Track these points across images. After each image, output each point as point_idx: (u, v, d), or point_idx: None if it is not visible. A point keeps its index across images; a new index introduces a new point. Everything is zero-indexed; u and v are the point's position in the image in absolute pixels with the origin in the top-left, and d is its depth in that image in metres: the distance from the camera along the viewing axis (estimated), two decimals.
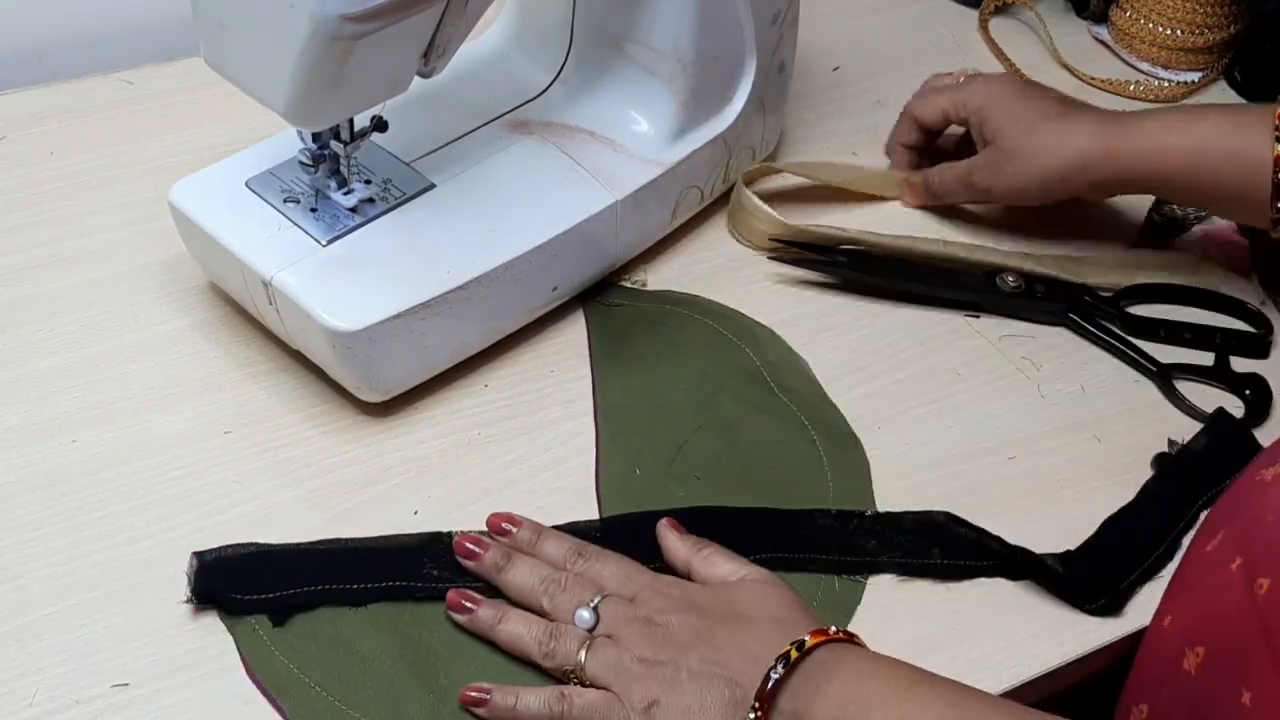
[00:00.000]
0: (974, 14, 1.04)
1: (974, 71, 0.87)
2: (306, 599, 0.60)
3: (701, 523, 0.64)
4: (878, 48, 0.99)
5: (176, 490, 0.65)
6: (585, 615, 0.58)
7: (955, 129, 0.85)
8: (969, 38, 1.02)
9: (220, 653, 0.59)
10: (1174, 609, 0.59)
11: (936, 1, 1.05)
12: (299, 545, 0.63)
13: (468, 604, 0.60)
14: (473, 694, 0.57)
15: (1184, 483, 0.69)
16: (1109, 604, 0.64)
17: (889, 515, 0.67)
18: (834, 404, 0.72)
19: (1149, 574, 0.65)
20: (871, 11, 1.03)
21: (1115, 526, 0.67)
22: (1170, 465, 0.70)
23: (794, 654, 0.54)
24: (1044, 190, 0.78)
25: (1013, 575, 0.65)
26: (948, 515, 0.67)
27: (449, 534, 0.63)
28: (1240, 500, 0.58)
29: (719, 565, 0.61)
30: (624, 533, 0.64)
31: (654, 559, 0.63)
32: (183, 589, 0.60)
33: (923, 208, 0.85)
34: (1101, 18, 1.04)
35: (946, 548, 0.65)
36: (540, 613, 0.60)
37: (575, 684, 0.57)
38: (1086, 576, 0.65)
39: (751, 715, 0.54)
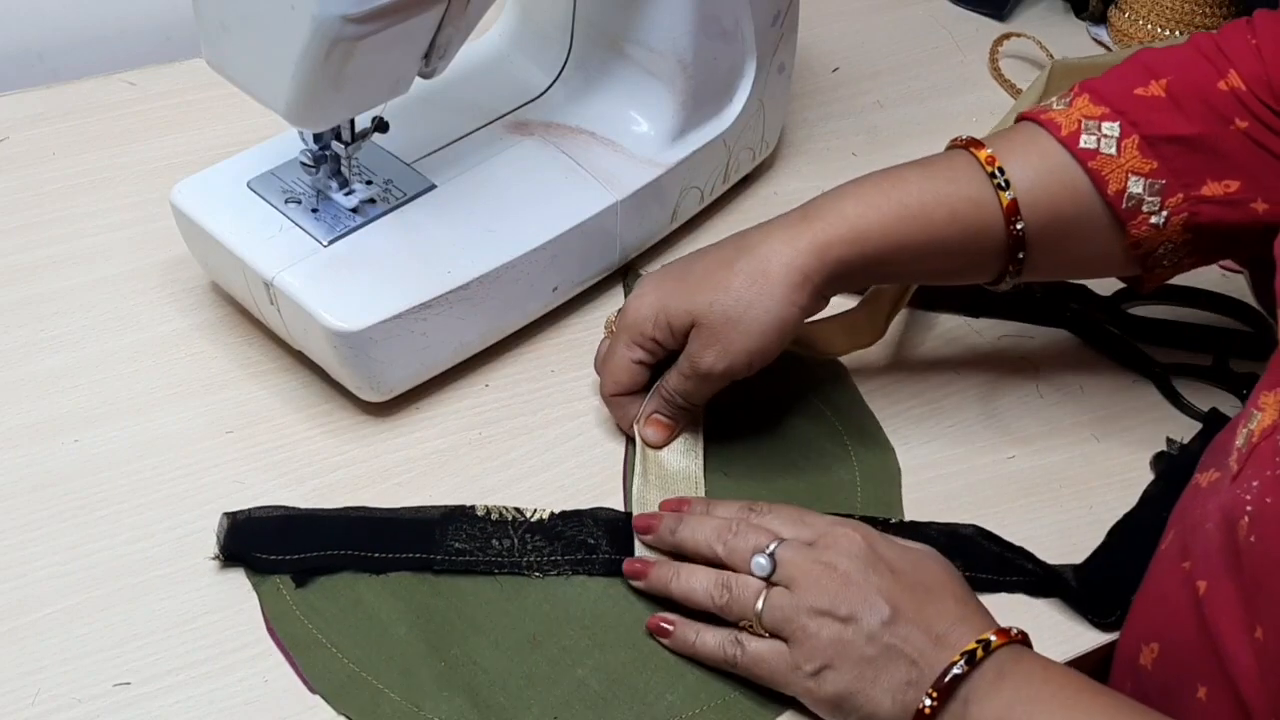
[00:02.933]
0: (973, 15, 1.04)
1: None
2: (329, 562, 0.62)
3: None
4: (878, 48, 1.00)
5: (178, 490, 0.65)
6: (762, 561, 0.57)
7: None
8: (968, 38, 1.02)
9: (221, 652, 0.59)
10: (1137, 607, 0.60)
11: (936, 3, 1.05)
12: (325, 511, 0.64)
13: (642, 566, 0.61)
14: (659, 623, 0.60)
15: (1183, 486, 0.69)
16: (1121, 616, 0.63)
17: (913, 524, 0.66)
18: (870, 409, 0.72)
19: None
20: (871, 12, 1.03)
21: (1121, 535, 0.67)
22: (1168, 466, 0.70)
23: (980, 653, 0.54)
24: (784, 333, 0.64)
25: (1035, 593, 0.64)
26: (975, 529, 0.66)
27: (471, 507, 0.64)
28: (1185, 504, 0.59)
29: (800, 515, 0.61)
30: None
31: None
32: (212, 556, 0.61)
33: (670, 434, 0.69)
34: (1100, 18, 1.04)
35: (970, 561, 0.64)
36: (718, 565, 0.59)
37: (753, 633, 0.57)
38: (1100, 591, 0.64)
39: (926, 701, 0.53)
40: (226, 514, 0.62)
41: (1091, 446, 0.72)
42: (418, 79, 0.66)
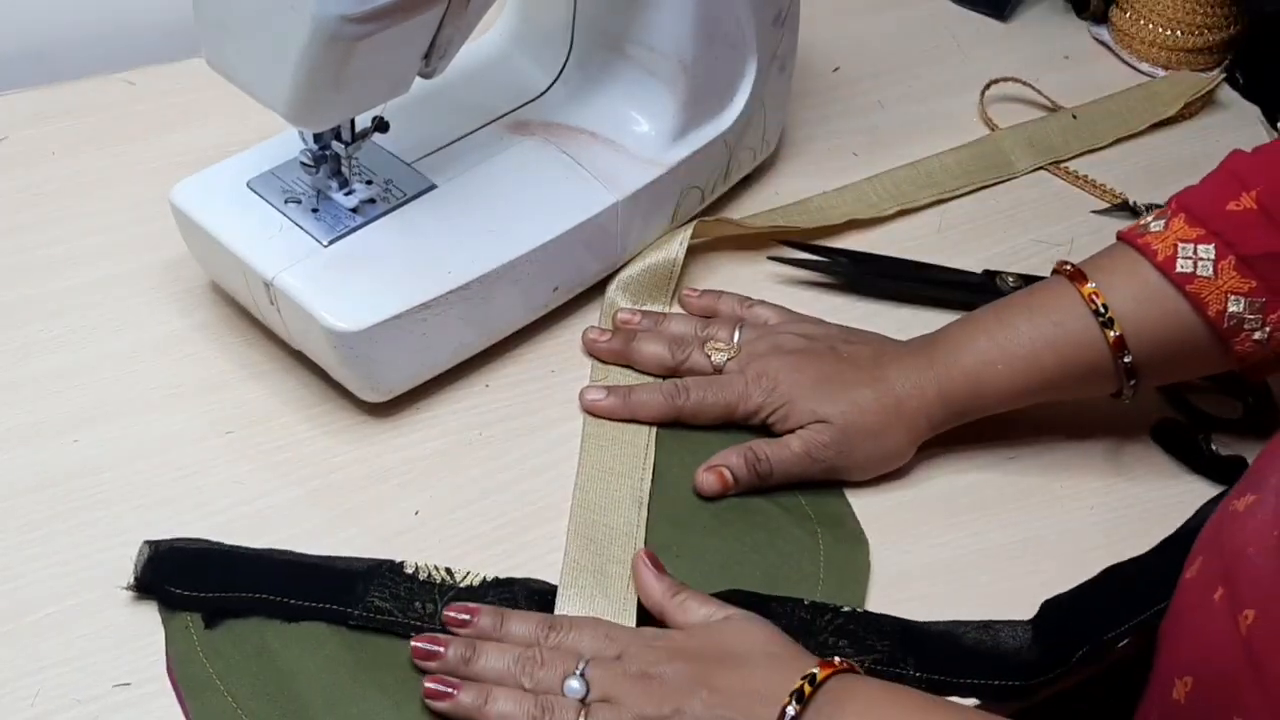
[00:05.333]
0: (974, 15, 1.04)
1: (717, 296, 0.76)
2: (240, 604, 0.60)
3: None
4: (878, 48, 0.99)
5: (178, 490, 0.65)
6: (575, 685, 0.56)
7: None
8: (969, 39, 1.02)
9: None
10: (1166, 640, 0.58)
11: (937, 3, 1.05)
12: (247, 550, 0.62)
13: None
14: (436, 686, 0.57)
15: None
16: (1082, 656, 0.62)
17: (867, 616, 0.63)
18: (847, 500, 0.68)
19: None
20: (871, 11, 1.03)
21: (1115, 578, 0.66)
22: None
23: (806, 688, 0.53)
24: (897, 460, 0.69)
25: (987, 699, 0.61)
26: (950, 626, 0.63)
27: (402, 563, 0.62)
28: (1216, 530, 0.57)
29: (696, 610, 0.59)
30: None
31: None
32: (124, 586, 0.60)
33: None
34: (1101, 18, 1.04)
35: (923, 660, 0.61)
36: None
37: None
38: (1058, 635, 0.63)
39: None
40: (148, 542, 0.61)
41: (1091, 446, 0.72)
42: (418, 79, 0.66)
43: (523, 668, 0.57)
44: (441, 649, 0.58)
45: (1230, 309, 0.64)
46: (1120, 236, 0.69)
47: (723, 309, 0.75)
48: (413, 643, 0.58)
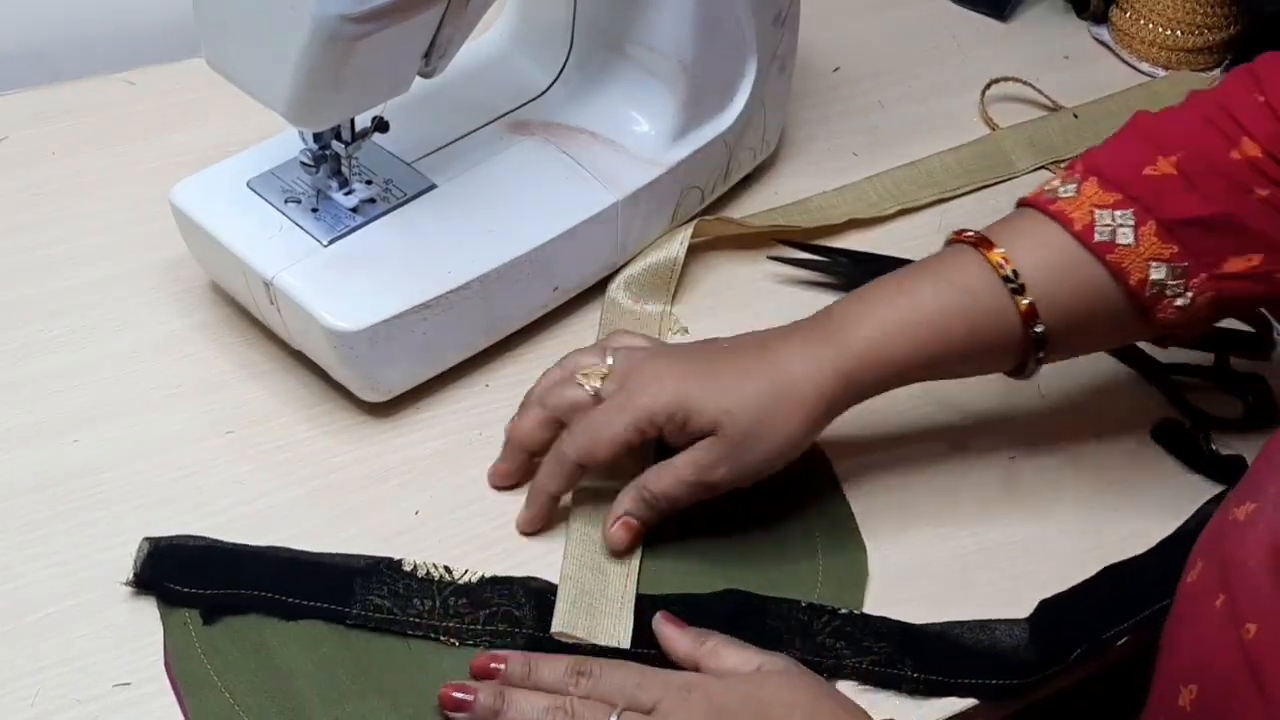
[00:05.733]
0: (974, 15, 1.04)
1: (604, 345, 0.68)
2: (240, 601, 0.60)
3: (660, 607, 0.61)
4: (878, 48, 0.99)
5: (178, 490, 0.65)
6: None
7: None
8: (969, 39, 1.02)
9: None
10: (1169, 645, 0.57)
11: (937, 3, 1.05)
12: (247, 547, 0.62)
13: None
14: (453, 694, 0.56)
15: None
16: (1080, 655, 0.62)
17: (865, 618, 0.62)
18: (846, 501, 0.68)
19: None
20: (872, 11, 1.03)
21: (1113, 577, 0.66)
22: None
23: None
24: (795, 453, 0.63)
25: (985, 698, 0.61)
26: (946, 626, 0.62)
27: (400, 561, 0.62)
28: (1216, 536, 0.56)
29: (728, 656, 0.58)
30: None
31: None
32: (124, 582, 0.60)
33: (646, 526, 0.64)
34: (1101, 18, 1.04)
35: (921, 660, 0.61)
36: None
37: None
38: (1054, 636, 0.63)
39: None
40: (148, 539, 0.61)
41: (1092, 447, 0.72)
42: (418, 79, 0.66)
43: (551, 717, 0.55)
44: (471, 698, 0.56)
45: (1152, 276, 0.62)
46: (1024, 202, 0.65)
47: (584, 354, 0.67)
48: (441, 690, 0.57)
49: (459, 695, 0.56)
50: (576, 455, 0.62)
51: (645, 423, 0.61)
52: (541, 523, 0.65)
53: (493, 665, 0.58)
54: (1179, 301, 0.62)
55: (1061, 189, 0.64)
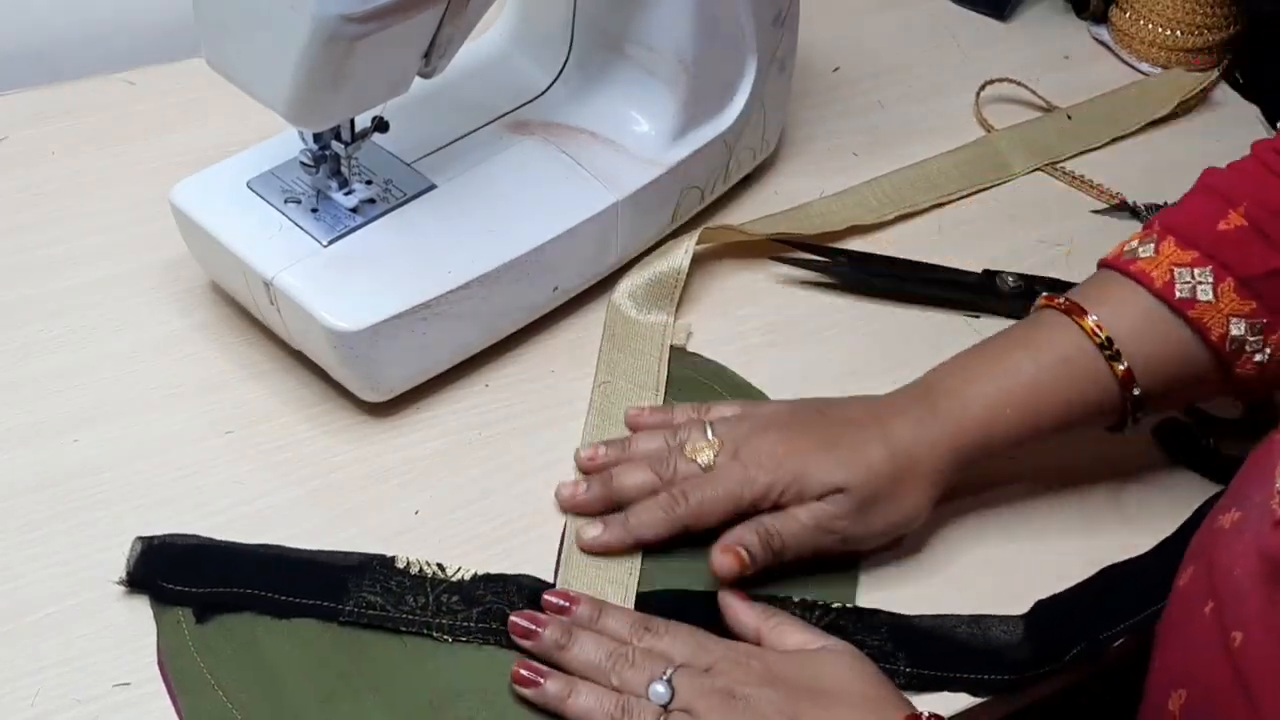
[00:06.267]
0: (974, 15, 1.04)
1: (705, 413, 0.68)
2: (232, 600, 0.60)
3: (653, 605, 0.62)
4: (878, 48, 1.00)
5: (178, 490, 0.65)
6: (660, 689, 0.56)
7: None
8: (969, 39, 1.02)
9: None
10: (1161, 647, 0.58)
11: (937, 3, 1.05)
12: (240, 545, 0.62)
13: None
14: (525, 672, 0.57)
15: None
16: (1076, 655, 0.62)
17: (858, 611, 0.63)
18: None
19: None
20: (872, 11, 1.03)
21: (1110, 579, 0.66)
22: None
23: None
24: (915, 523, 0.65)
25: (978, 693, 0.61)
26: (937, 619, 0.63)
27: (393, 558, 0.62)
28: (1203, 543, 0.57)
29: (792, 634, 0.59)
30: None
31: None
32: (117, 580, 0.60)
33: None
34: (1101, 18, 1.04)
35: (914, 655, 0.61)
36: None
37: None
38: (1050, 635, 0.63)
39: None
40: (140, 538, 0.61)
41: (1091, 446, 0.72)
42: (418, 79, 0.66)
43: (613, 664, 0.57)
44: (540, 629, 0.59)
45: (1232, 332, 0.63)
46: (1105, 264, 0.67)
47: (679, 417, 0.68)
48: (511, 618, 0.59)
49: (528, 624, 0.59)
50: (689, 519, 0.63)
51: (761, 497, 0.63)
52: (617, 549, 0.64)
53: (562, 602, 0.60)
54: (1258, 357, 0.64)
55: (1140, 249, 0.66)
